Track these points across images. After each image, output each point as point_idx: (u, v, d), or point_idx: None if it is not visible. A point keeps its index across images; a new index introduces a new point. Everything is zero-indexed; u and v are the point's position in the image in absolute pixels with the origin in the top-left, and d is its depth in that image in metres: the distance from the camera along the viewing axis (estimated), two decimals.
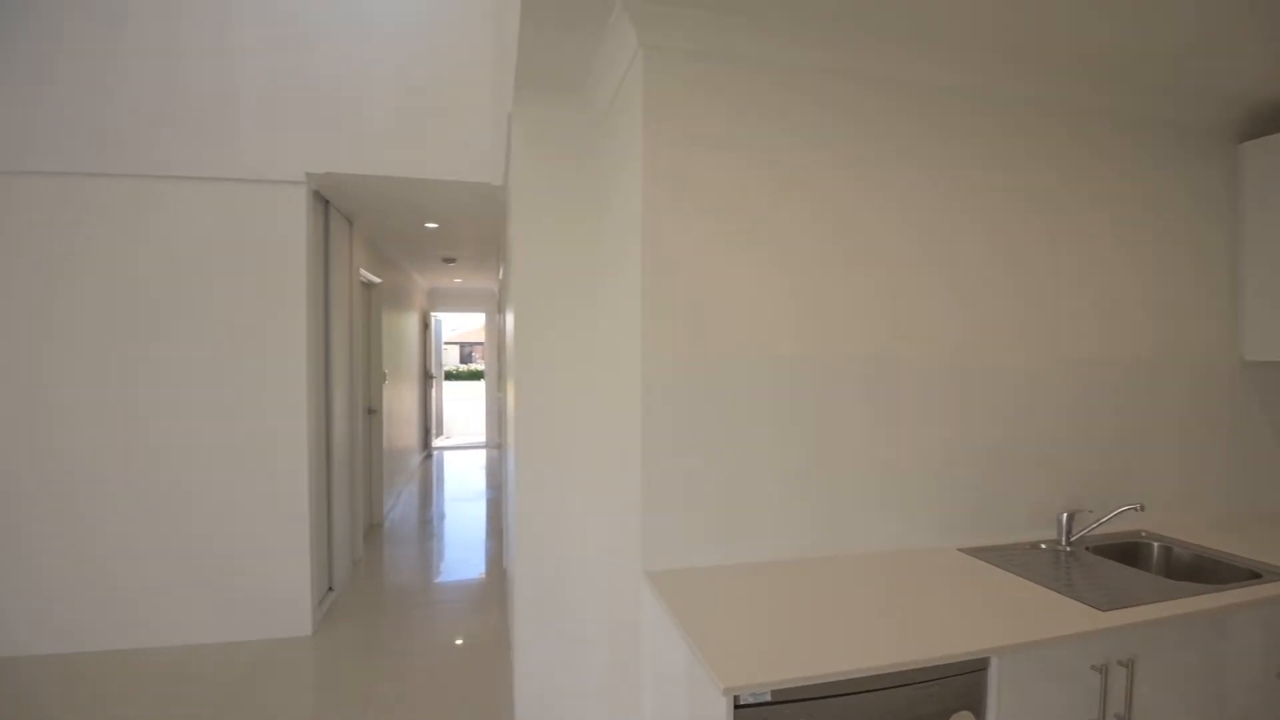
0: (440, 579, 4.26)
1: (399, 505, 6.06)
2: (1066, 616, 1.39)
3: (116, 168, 3.00)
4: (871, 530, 1.82)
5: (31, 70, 2.92)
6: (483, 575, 4.26)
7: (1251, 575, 1.66)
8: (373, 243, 5.06)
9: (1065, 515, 1.90)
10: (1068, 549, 1.87)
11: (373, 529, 5.07)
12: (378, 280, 5.19)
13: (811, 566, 1.70)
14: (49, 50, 2.93)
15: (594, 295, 2.33)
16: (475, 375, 21.86)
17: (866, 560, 1.75)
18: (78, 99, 2.96)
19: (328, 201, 3.62)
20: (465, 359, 28.29)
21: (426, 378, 9.06)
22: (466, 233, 4.88)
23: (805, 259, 1.76)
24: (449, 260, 6.31)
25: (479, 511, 6.03)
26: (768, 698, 1.16)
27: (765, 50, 1.70)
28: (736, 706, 1.15)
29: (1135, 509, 1.87)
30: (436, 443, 9.93)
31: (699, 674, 1.24)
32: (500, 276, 5.21)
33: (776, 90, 1.73)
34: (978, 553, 1.81)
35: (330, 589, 3.62)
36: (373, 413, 5.01)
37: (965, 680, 1.27)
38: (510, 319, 2.73)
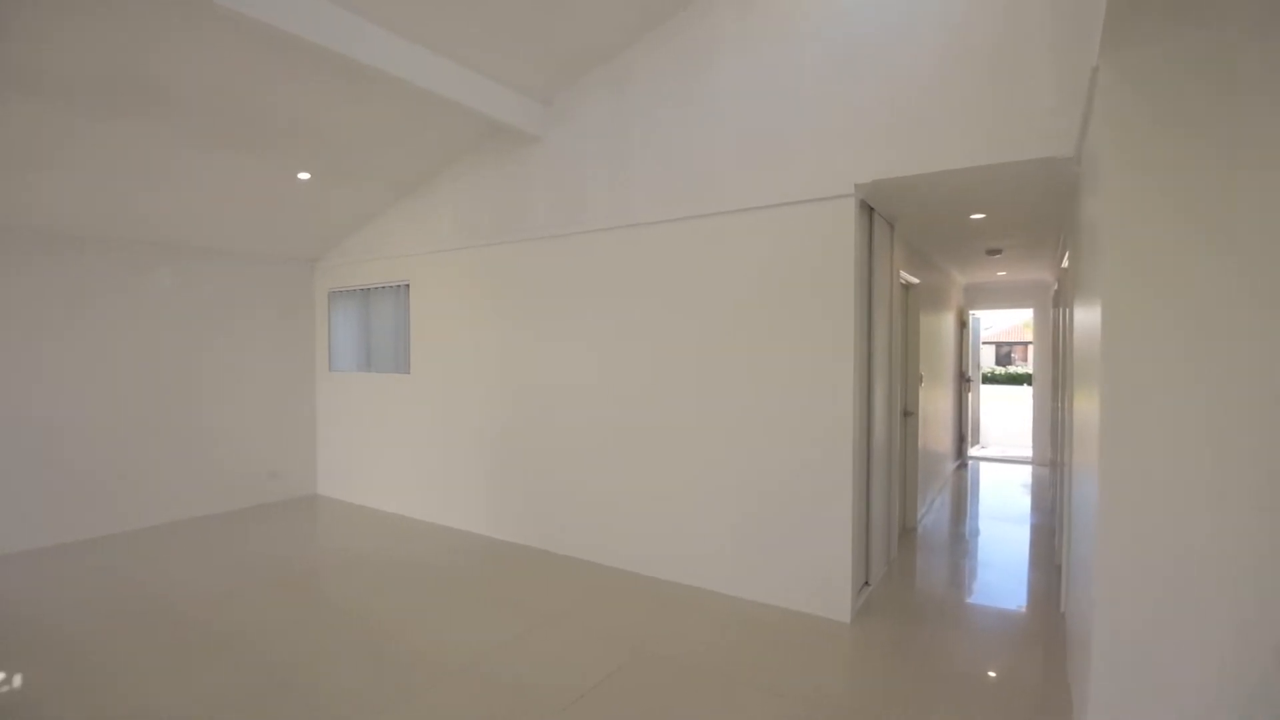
0: (973, 599, 3.90)
1: (931, 513, 5.84)
2: None
3: (708, 209, 3.77)
4: None
5: (653, 151, 3.95)
6: (1023, 609, 3.70)
7: None
8: (912, 243, 4.99)
9: None
10: None
11: (905, 533, 5.02)
12: (915, 281, 5.10)
13: None
14: (656, 123, 3.91)
15: (1226, 280, 1.70)
16: (1016, 379, 19.42)
17: None
18: (681, 167, 3.85)
19: (872, 209, 3.72)
20: (1002, 360, 25.48)
21: (962, 380, 8.49)
22: (1017, 219, 4.32)
23: None
24: (993, 252, 5.72)
25: (1021, 535, 5.28)
26: None
27: None
28: None
29: None
30: (972, 452, 9.21)
31: None
32: (1063, 265, 4.42)
33: None
34: None
35: (866, 583, 3.73)
36: (909, 415, 4.95)
37: None
38: (1092, 314, 2.25)
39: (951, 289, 7.48)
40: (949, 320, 7.44)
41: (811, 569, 3.45)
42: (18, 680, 2.82)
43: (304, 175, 4.79)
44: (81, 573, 4.22)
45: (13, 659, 3.01)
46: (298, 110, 3.99)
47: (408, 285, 5.56)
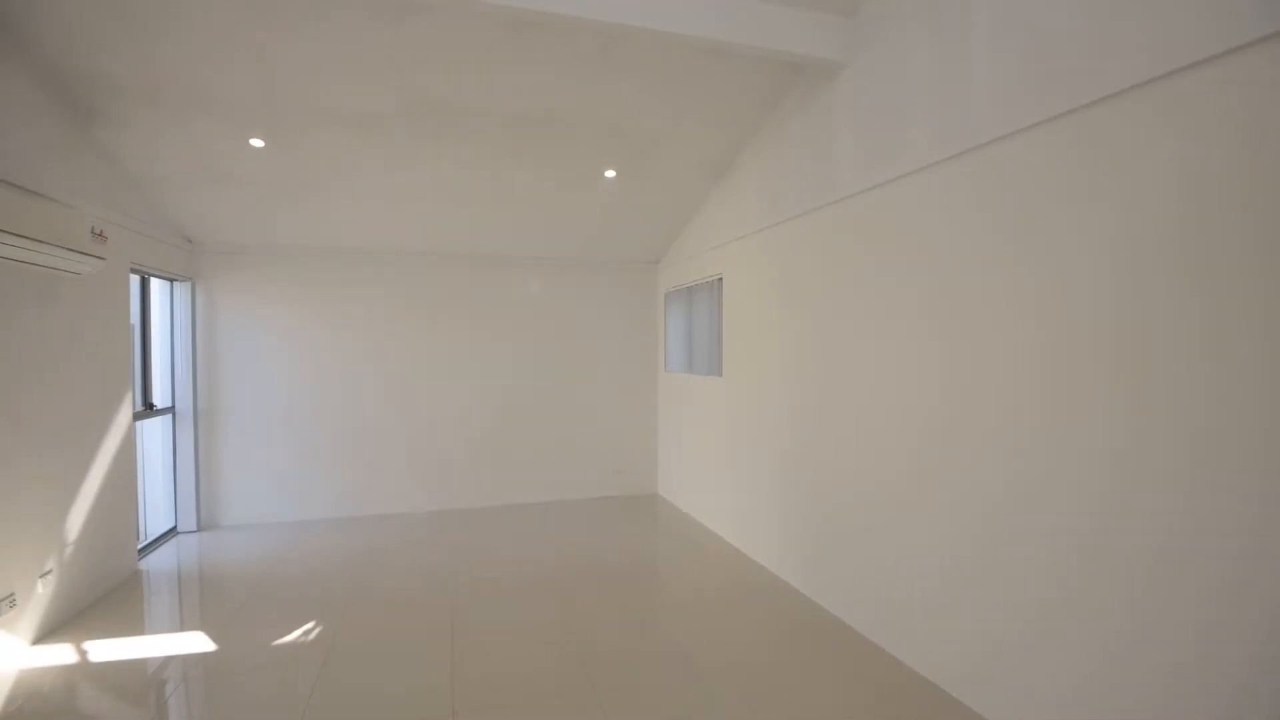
0: None
1: None
2: None
3: (1093, 94, 2.12)
4: None
5: (1003, 25, 2.44)
6: None
7: None
8: None
9: None
10: None
11: None
12: None
13: None
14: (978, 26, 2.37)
15: None
16: None
17: None
18: (1047, 39, 2.27)
19: None
20: None
21: None
22: None
23: None
24: None
25: None
26: None
27: None
28: None
29: None
30: None
31: None
32: None
33: None
34: None
35: None
36: None
37: None
38: None
39: None
40: None
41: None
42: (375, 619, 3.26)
43: (610, 173, 4.69)
44: (445, 537, 4.94)
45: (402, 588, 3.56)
46: (587, 104, 3.82)
47: (720, 279, 5.01)
